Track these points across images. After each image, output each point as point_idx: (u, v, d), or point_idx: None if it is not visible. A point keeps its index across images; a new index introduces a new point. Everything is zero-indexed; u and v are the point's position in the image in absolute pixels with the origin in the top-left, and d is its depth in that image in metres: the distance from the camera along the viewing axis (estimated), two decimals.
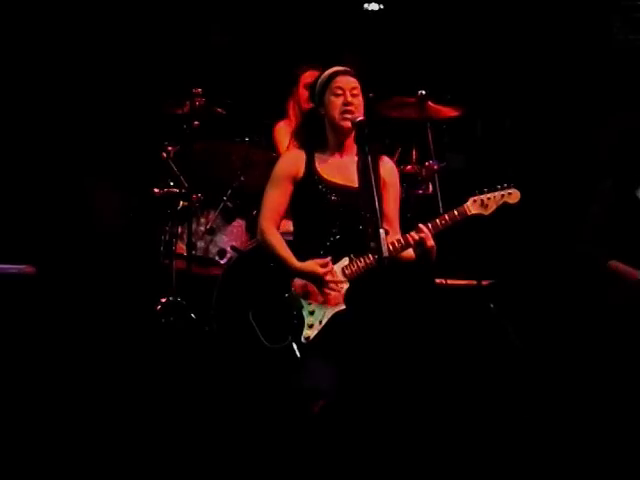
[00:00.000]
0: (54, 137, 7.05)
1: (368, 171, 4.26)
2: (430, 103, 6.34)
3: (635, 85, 7.03)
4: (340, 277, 4.36)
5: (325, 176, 4.44)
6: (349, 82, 4.38)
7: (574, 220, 5.92)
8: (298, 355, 4.46)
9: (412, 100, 6.33)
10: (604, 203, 5.53)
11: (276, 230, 4.45)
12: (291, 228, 4.60)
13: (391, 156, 5.04)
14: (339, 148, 4.43)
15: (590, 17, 7.34)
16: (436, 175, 6.30)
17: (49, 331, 5.97)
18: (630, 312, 5.44)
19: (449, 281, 6.50)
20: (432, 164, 6.32)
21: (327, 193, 4.42)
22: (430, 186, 6.30)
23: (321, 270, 4.27)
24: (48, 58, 7.06)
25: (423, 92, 6.31)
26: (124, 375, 5.42)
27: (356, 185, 4.36)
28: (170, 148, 6.33)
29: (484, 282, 6.60)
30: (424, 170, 6.32)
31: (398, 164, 5.55)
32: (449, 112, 6.48)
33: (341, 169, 4.45)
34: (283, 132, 6.40)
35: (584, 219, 5.57)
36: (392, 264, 4.31)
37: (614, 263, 5.42)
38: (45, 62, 7.06)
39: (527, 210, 4.66)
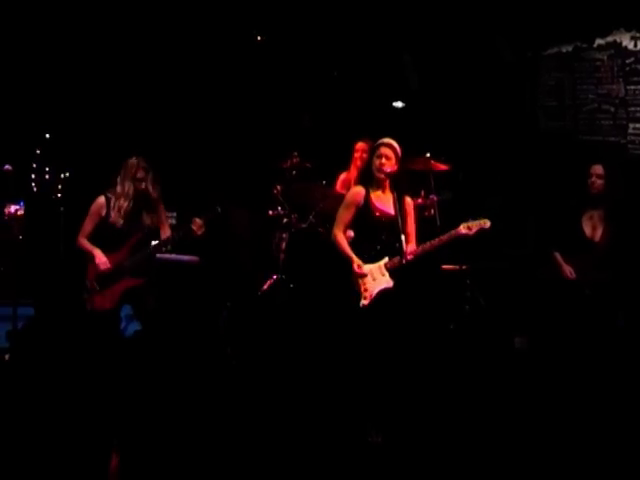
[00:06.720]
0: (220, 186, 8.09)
1: (397, 204, 5.25)
2: (432, 161, 7.50)
3: (550, 153, 8.34)
4: (383, 270, 5.24)
5: (377, 205, 5.33)
6: (386, 151, 5.33)
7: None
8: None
9: (422, 159, 7.45)
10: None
11: (343, 236, 5.46)
12: (351, 234, 5.55)
13: (413, 197, 5.87)
14: (381, 187, 5.40)
15: (524, 110, 8.73)
16: (435, 204, 7.41)
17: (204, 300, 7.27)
18: (553, 287, 6.18)
19: (445, 266, 7.55)
20: (433, 197, 7.45)
21: (376, 218, 5.34)
22: (432, 210, 7.42)
23: (355, 268, 5.31)
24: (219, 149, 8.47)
25: (428, 155, 7.50)
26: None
27: (392, 212, 5.25)
28: (279, 187, 7.61)
29: (464, 267, 7.52)
30: (428, 201, 7.46)
31: (413, 197, 5.87)
32: (443, 166, 7.61)
33: (383, 201, 5.37)
34: (342, 180, 7.65)
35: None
36: (412, 260, 5.23)
37: (556, 254, 6.31)
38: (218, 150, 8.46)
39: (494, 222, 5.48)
